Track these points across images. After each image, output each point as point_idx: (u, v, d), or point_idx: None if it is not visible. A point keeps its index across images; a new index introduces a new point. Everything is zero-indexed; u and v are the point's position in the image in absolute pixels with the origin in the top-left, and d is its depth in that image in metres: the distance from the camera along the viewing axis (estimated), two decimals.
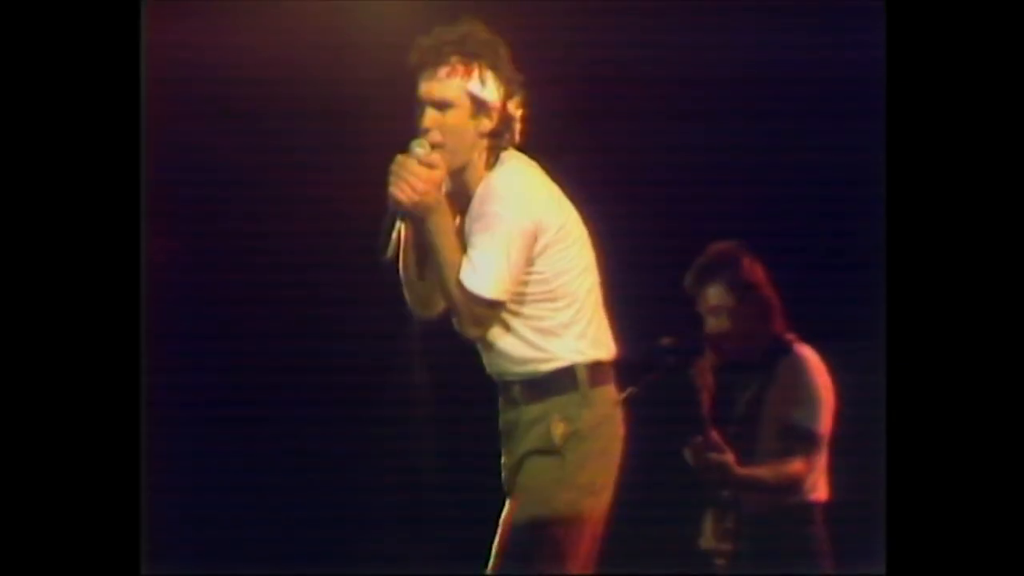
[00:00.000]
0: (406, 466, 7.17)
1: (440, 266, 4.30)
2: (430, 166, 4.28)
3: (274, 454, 7.15)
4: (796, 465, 5.50)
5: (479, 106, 4.33)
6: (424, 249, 4.37)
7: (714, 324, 5.61)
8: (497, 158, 4.38)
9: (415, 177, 4.25)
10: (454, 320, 4.37)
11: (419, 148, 4.30)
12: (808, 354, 5.62)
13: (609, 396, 4.40)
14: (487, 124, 4.35)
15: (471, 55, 4.32)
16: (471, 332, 4.33)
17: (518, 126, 4.40)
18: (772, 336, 5.65)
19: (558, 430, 4.31)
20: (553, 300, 4.35)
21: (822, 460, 5.56)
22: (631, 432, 4.46)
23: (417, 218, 4.30)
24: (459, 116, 4.33)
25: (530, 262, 4.32)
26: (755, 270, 5.65)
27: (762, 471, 5.49)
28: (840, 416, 5.61)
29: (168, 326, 6.22)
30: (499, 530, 4.35)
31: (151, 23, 4.45)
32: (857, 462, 5.45)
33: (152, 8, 4.52)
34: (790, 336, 5.65)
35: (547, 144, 4.52)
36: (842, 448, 5.65)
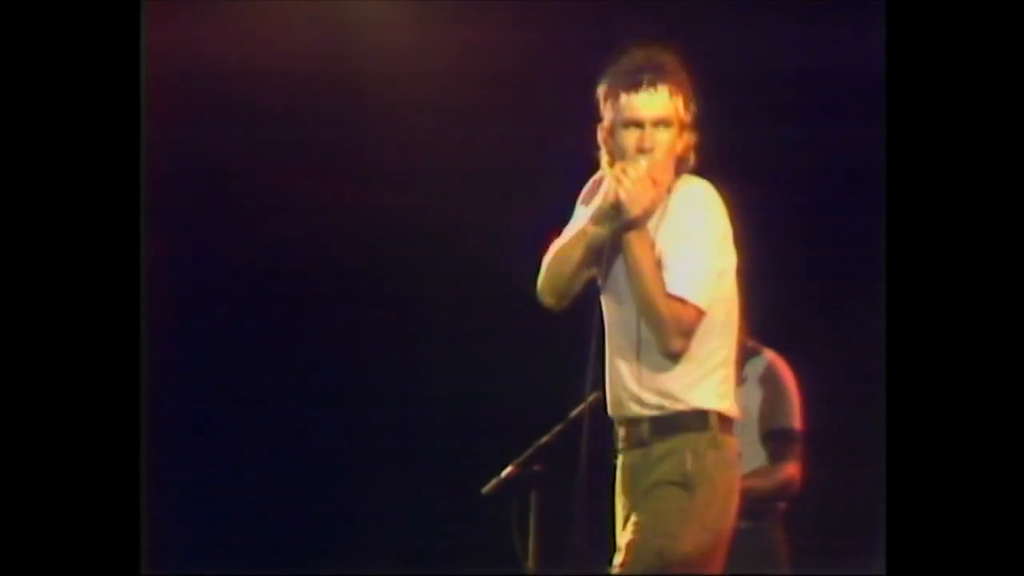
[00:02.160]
0: (406, 467, 7.16)
1: (643, 281, 4.23)
2: (655, 183, 4.24)
3: (274, 454, 7.15)
4: (789, 469, 5.49)
5: (681, 126, 4.30)
6: (592, 254, 4.31)
7: None
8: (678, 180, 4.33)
9: (651, 187, 4.21)
10: (656, 338, 4.27)
11: (644, 161, 4.25)
12: (773, 357, 5.62)
13: (733, 446, 4.38)
14: (681, 145, 4.32)
15: (671, 76, 4.29)
16: (676, 345, 4.25)
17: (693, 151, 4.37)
18: (740, 344, 5.66)
19: (688, 463, 4.28)
20: (710, 338, 4.32)
21: None
22: None
23: (626, 225, 4.23)
24: (670, 135, 4.29)
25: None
26: None
27: (758, 481, 5.43)
28: (841, 417, 5.61)
29: (168, 325, 6.22)
30: (622, 558, 4.29)
31: (151, 23, 4.45)
32: (857, 463, 5.44)
33: (152, 8, 4.52)
34: (751, 343, 5.62)
35: None
36: (843, 448, 5.64)
